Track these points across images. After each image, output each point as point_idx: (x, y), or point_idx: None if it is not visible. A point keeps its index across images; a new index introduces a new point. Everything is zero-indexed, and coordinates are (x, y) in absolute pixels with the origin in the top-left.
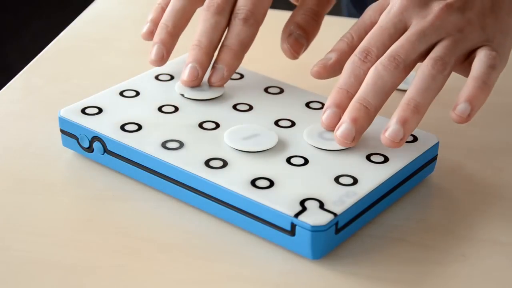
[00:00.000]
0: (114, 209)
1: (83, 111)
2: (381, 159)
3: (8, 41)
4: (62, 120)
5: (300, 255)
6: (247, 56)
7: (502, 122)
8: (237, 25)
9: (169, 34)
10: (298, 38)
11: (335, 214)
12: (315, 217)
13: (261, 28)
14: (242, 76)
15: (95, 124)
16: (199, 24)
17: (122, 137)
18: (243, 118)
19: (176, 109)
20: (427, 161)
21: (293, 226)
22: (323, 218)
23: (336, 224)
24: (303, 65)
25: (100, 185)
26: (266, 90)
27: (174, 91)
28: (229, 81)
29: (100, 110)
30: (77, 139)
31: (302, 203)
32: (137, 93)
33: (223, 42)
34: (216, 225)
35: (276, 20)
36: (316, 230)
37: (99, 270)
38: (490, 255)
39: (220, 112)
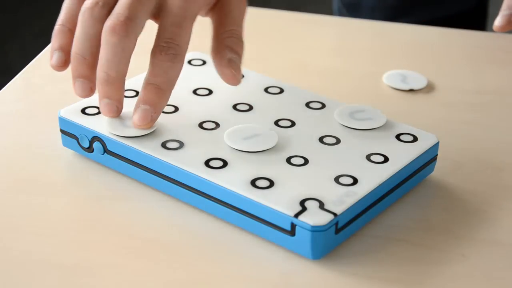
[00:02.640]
0: (114, 209)
1: (83, 111)
2: (381, 159)
3: (8, 41)
4: (62, 120)
5: (300, 255)
6: (247, 56)
7: (502, 122)
8: (164, 61)
9: (89, 67)
10: (238, 63)
11: (335, 214)
12: (315, 217)
13: (261, 28)
14: (242, 76)
15: (95, 124)
16: (102, 49)
17: (122, 137)
18: (243, 118)
19: (176, 109)
20: (427, 161)
21: (293, 226)
22: (323, 218)
23: (336, 224)
24: (303, 65)
25: (100, 185)
26: (266, 90)
27: (174, 91)
28: None
29: None
30: (77, 139)
31: (302, 203)
32: (137, 93)
33: (147, 79)
34: (216, 225)
35: (276, 20)
36: (316, 230)
37: (99, 270)
38: (490, 255)
39: (220, 112)
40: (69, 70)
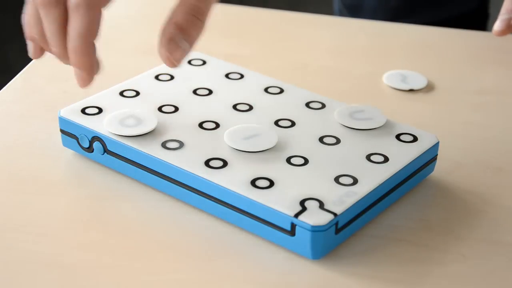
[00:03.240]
0: (114, 209)
1: (83, 111)
2: (381, 159)
3: (8, 41)
4: (62, 120)
5: (300, 255)
6: (247, 56)
7: (502, 122)
8: (71, 15)
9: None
10: (180, 43)
11: (335, 214)
12: (315, 217)
13: (261, 28)
14: (242, 76)
15: (95, 124)
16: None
17: (122, 137)
18: (243, 118)
19: (176, 109)
20: (427, 161)
21: (293, 226)
22: (323, 218)
23: (336, 224)
24: (303, 65)
25: (100, 185)
26: (266, 90)
27: (174, 91)
28: (229, 81)
29: (100, 110)
30: (77, 139)
31: (302, 203)
32: (137, 93)
33: (67, 42)
34: (216, 225)
35: (276, 20)
36: (316, 230)
37: (99, 270)
38: (490, 255)
39: (220, 112)
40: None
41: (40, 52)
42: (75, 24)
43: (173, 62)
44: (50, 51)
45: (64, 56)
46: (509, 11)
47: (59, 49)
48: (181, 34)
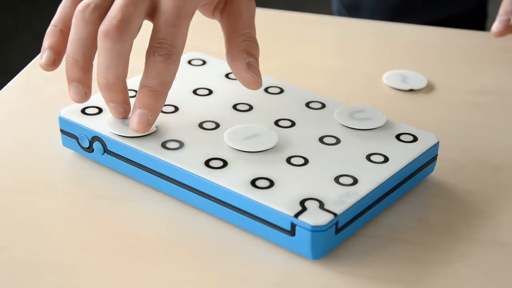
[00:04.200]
0: (114, 209)
1: (83, 111)
2: (381, 159)
3: (8, 41)
4: (62, 120)
5: (300, 255)
6: None
7: (502, 122)
8: (158, 62)
9: (82, 70)
10: (255, 65)
11: (335, 214)
12: (315, 217)
13: (261, 28)
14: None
15: (95, 124)
16: (99, 54)
17: (122, 137)
18: (243, 118)
19: (176, 109)
20: (427, 161)
21: (293, 226)
22: (323, 218)
23: (336, 224)
24: (303, 65)
25: (100, 185)
26: (266, 90)
27: (174, 91)
28: (229, 81)
29: (100, 110)
30: (77, 139)
31: (302, 203)
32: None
33: (142, 82)
34: (216, 225)
35: (276, 20)
36: (316, 230)
37: (99, 270)
38: (490, 255)
39: (220, 112)
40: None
41: (53, 66)
42: (162, 71)
43: (260, 82)
44: (75, 79)
45: (113, 90)
46: (507, 12)
47: (112, 80)
48: (252, 59)
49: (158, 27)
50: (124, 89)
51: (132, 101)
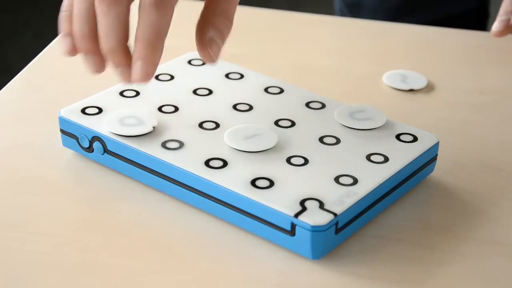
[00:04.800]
0: (114, 209)
1: (83, 111)
2: (381, 159)
3: (8, 41)
4: (62, 120)
5: (300, 255)
6: (247, 56)
7: (502, 122)
8: (149, 11)
9: (92, 40)
10: (218, 42)
11: (335, 214)
12: (315, 217)
13: (261, 28)
14: (242, 76)
15: (95, 124)
16: (98, 21)
17: (122, 137)
18: (243, 118)
19: (176, 109)
20: (427, 161)
21: (293, 226)
22: (323, 218)
23: (336, 224)
24: (303, 65)
25: (100, 185)
26: (266, 90)
27: (174, 91)
28: (229, 81)
29: (100, 110)
30: (77, 139)
31: (302, 203)
32: (137, 93)
33: (136, 34)
34: (216, 225)
35: (276, 20)
36: (316, 230)
37: (99, 270)
38: (490, 255)
39: (220, 112)
40: (66, 70)
41: (74, 51)
42: (154, 20)
43: (216, 60)
44: (87, 50)
45: (117, 53)
46: (507, 12)
47: (113, 44)
48: (217, 34)
49: None
50: (128, 51)
51: (128, 101)
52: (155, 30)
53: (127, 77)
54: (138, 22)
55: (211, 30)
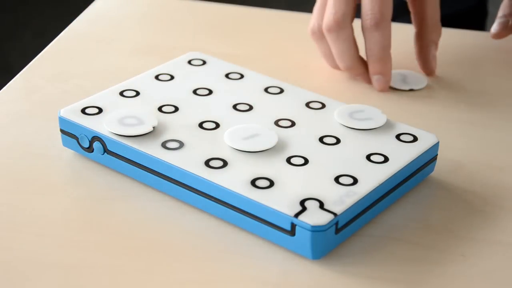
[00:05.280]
0: (114, 209)
1: (83, 111)
2: (381, 159)
3: (8, 41)
4: (62, 120)
5: (300, 255)
6: (247, 56)
7: (502, 122)
8: (372, 31)
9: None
10: (435, 54)
11: (335, 214)
12: (315, 217)
13: (261, 28)
14: (242, 76)
15: (95, 124)
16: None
17: (122, 137)
18: (243, 118)
19: (176, 109)
20: (427, 161)
21: (293, 226)
22: (323, 218)
23: (336, 224)
24: (303, 65)
25: (100, 185)
26: (266, 90)
27: (174, 91)
28: (229, 81)
29: (100, 110)
30: (77, 139)
31: (302, 203)
32: (137, 93)
33: (367, 53)
34: (216, 225)
35: (276, 20)
36: (316, 230)
37: (99, 270)
38: (490, 255)
39: (220, 112)
40: (66, 70)
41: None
42: (377, 39)
43: (434, 70)
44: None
45: (354, 69)
46: (506, 14)
47: (351, 62)
48: (436, 47)
49: (364, 2)
50: (362, 63)
51: (127, 102)
52: (381, 46)
53: (375, 84)
54: (366, 42)
55: (433, 48)
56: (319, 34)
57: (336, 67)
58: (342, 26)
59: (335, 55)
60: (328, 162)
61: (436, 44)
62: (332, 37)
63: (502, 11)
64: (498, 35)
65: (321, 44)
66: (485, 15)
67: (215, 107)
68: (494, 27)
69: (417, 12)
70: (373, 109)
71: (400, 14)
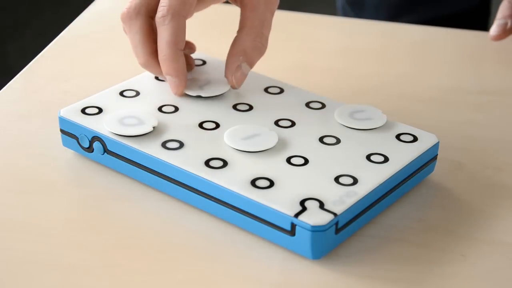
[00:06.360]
0: (114, 209)
1: (83, 111)
2: (381, 159)
3: (8, 41)
4: (62, 120)
5: (300, 255)
6: None
7: (502, 122)
8: (159, 26)
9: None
10: (244, 70)
11: (335, 214)
12: (315, 217)
13: None
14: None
15: (95, 124)
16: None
17: (122, 137)
18: (243, 118)
19: (176, 109)
20: (427, 161)
21: (293, 226)
22: (323, 218)
23: (336, 224)
24: (303, 65)
25: (100, 185)
26: (266, 90)
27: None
28: None
29: (100, 110)
30: (77, 139)
31: (302, 203)
32: (137, 93)
33: (159, 54)
34: (216, 225)
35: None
36: (316, 230)
37: (99, 270)
38: (490, 255)
39: (220, 112)
40: (66, 70)
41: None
42: (163, 34)
43: (237, 86)
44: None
45: (149, 66)
46: (505, 16)
47: (144, 59)
48: (245, 60)
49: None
50: (182, 60)
51: (127, 102)
52: (166, 42)
53: (171, 86)
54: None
55: (241, 59)
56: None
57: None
58: (132, 16)
59: (132, 48)
60: (328, 162)
61: (246, 57)
62: (125, 27)
63: (501, 13)
64: (497, 37)
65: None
66: (487, 14)
67: (215, 107)
68: (493, 29)
69: (242, 11)
70: (373, 109)
71: (404, 10)
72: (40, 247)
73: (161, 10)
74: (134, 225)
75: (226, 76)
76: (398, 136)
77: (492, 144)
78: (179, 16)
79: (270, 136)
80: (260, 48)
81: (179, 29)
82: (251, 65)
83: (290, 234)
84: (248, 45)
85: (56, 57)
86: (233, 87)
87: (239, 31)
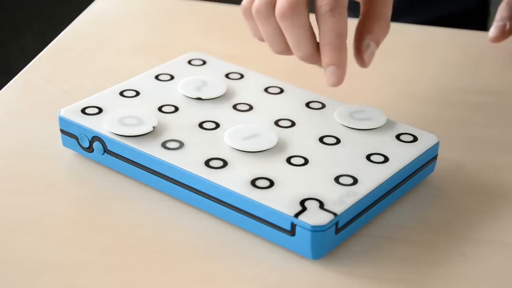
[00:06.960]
0: (114, 209)
1: (83, 111)
2: (381, 159)
3: (8, 41)
4: (62, 120)
5: (300, 255)
6: (247, 56)
7: (502, 122)
8: (326, 17)
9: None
10: (373, 49)
11: (335, 214)
12: (315, 217)
13: None
14: (242, 76)
15: (95, 124)
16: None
17: (122, 137)
18: (243, 118)
19: (176, 109)
20: (427, 161)
21: (293, 226)
22: (323, 218)
23: (336, 224)
24: (303, 65)
25: (100, 185)
26: (266, 90)
27: (174, 91)
28: (229, 81)
29: (100, 110)
30: (77, 139)
31: (302, 203)
32: (137, 93)
33: (321, 42)
34: (216, 225)
35: None
36: (316, 230)
37: (99, 270)
38: (490, 255)
39: (220, 112)
40: (66, 70)
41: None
42: (333, 26)
43: (367, 65)
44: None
45: (313, 57)
46: (503, 18)
47: (310, 51)
48: (373, 39)
49: None
50: (319, 55)
51: (127, 102)
52: (336, 34)
53: (330, 76)
54: (319, 29)
55: (368, 37)
56: (265, 13)
57: (282, 52)
58: (297, 11)
59: (290, 44)
60: (328, 162)
61: (376, 36)
62: (286, 23)
63: (499, 14)
64: (496, 39)
65: (265, 26)
66: (487, 14)
67: (215, 107)
68: (492, 31)
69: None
70: (373, 109)
71: (404, 11)
72: (40, 247)
73: (329, 2)
74: (134, 225)
75: (355, 56)
76: (398, 136)
77: (492, 144)
78: (345, 8)
79: (270, 136)
80: (385, 28)
81: (346, 21)
82: (378, 44)
83: (290, 234)
84: (375, 25)
85: (56, 57)
86: (362, 66)
87: (363, 13)
